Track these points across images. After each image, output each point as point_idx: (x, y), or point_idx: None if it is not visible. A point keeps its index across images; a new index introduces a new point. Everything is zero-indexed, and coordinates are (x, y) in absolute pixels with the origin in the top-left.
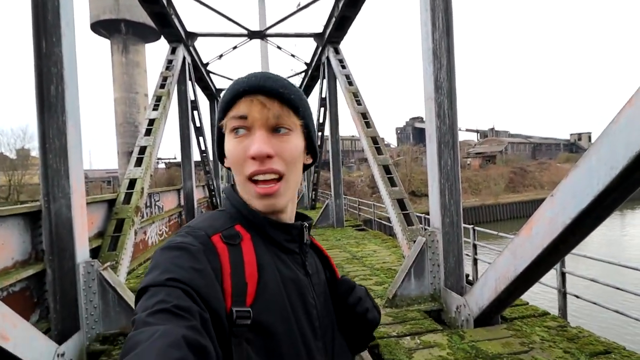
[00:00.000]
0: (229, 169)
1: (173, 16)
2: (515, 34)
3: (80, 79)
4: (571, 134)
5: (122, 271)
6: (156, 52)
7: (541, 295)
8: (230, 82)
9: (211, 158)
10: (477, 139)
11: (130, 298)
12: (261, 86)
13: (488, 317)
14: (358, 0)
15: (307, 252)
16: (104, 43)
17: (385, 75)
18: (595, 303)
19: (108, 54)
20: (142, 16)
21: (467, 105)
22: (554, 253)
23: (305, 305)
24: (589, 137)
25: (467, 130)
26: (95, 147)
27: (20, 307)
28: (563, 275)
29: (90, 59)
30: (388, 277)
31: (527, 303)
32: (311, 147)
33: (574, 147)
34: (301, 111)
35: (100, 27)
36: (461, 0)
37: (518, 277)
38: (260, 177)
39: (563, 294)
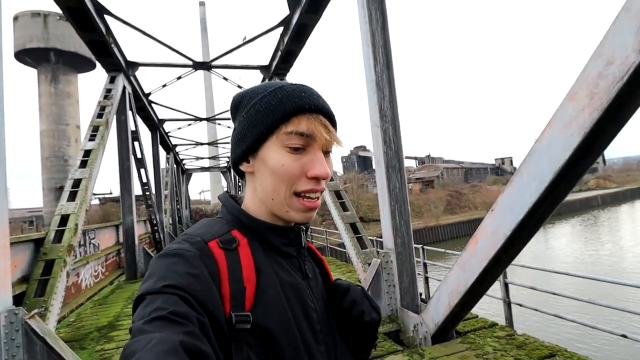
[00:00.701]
0: (241, 174)
1: (112, 45)
2: (445, 66)
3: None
4: (495, 159)
5: (52, 319)
6: (91, 82)
7: (485, 306)
8: (254, 89)
9: (154, 191)
10: (416, 165)
11: (62, 349)
12: (322, 106)
13: (444, 332)
14: (302, 36)
15: (304, 256)
16: (29, 72)
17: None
18: (536, 309)
19: (33, 83)
20: (74, 45)
21: (405, 134)
22: (498, 264)
23: (305, 309)
24: (511, 161)
25: (407, 157)
26: (15, 185)
27: None
28: (506, 285)
29: (12, 89)
30: None
31: (477, 316)
32: None
33: (499, 171)
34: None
35: (26, 55)
36: (396, 33)
37: (469, 290)
38: (312, 195)
39: (508, 304)
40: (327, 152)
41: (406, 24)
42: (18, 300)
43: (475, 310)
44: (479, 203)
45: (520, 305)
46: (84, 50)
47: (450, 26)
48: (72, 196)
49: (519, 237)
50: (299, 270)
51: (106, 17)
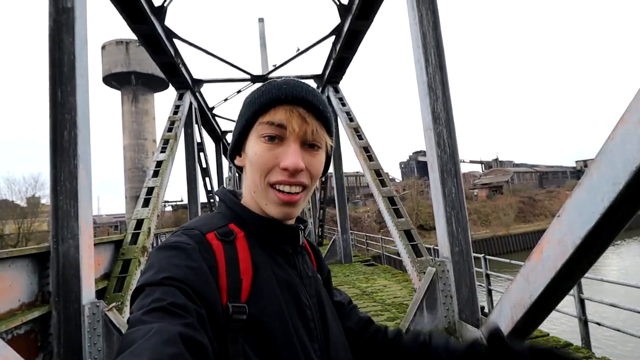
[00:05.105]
0: (239, 168)
1: (180, 65)
2: (516, 63)
3: (91, 128)
4: (577, 161)
5: (128, 312)
6: (164, 100)
7: (558, 323)
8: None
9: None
10: (482, 170)
11: None
12: (302, 98)
13: None
14: (354, 43)
15: (300, 254)
16: (114, 94)
17: (387, 111)
18: (618, 330)
19: (118, 104)
20: (151, 68)
21: (469, 137)
22: (568, 276)
23: (299, 306)
24: None
25: (471, 161)
26: (103, 193)
27: (25, 350)
28: (582, 302)
29: (101, 110)
30: (400, 312)
31: (548, 334)
32: (326, 164)
33: (581, 174)
34: (331, 130)
35: (112, 79)
36: (460, 34)
37: (534, 304)
38: (287, 189)
39: (584, 322)
40: (311, 145)
41: (476, 19)
42: (100, 294)
43: (547, 327)
44: (557, 210)
45: (599, 324)
46: (159, 71)
47: (523, 18)
48: (146, 202)
49: (592, 246)
50: (293, 267)
51: (175, 40)
